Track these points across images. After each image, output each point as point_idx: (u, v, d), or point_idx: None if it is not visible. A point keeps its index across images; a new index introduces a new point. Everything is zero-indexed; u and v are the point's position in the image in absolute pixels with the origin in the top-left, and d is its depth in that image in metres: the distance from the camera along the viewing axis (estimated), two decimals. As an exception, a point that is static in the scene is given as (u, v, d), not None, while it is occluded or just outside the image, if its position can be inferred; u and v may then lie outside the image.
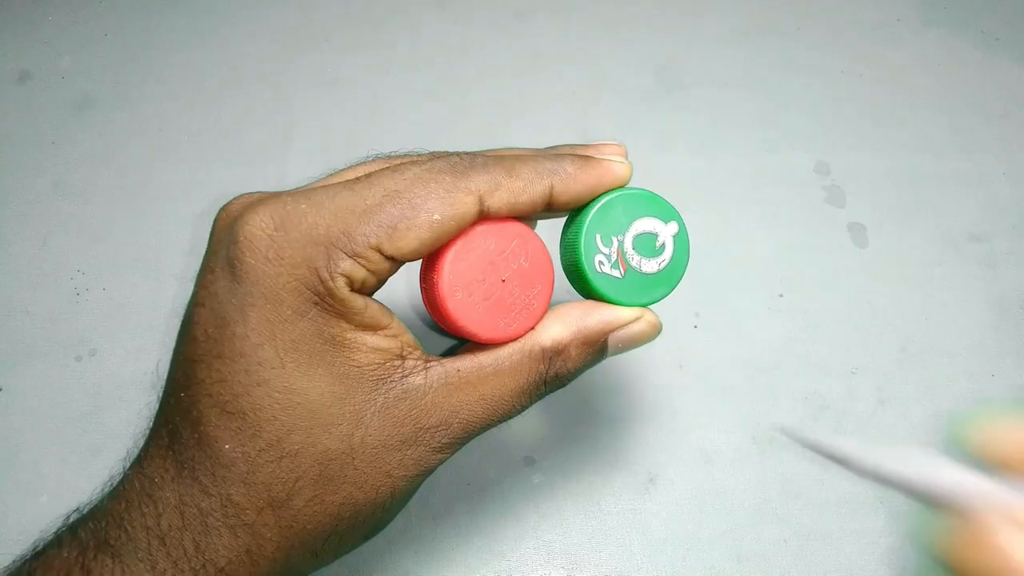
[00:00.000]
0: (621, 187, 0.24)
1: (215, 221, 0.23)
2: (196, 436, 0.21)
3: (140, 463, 0.22)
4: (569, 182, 0.23)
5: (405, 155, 0.25)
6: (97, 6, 0.47)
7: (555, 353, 0.24)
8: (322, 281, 0.20)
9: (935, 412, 0.36)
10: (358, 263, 0.21)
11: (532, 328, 0.24)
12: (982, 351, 0.37)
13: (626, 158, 0.24)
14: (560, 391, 0.35)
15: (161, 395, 0.23)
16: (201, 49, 0.46)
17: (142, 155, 0.42)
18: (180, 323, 0.23)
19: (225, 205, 0.23)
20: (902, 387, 0.36)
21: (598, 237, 0.23)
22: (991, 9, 0.47)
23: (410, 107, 0.44)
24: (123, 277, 0.39)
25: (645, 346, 0.37)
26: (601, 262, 0.24)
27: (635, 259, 0.24)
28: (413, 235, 0.21)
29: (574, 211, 0.25)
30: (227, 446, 0.21)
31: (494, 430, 0.24)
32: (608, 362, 0.36)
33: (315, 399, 0.21)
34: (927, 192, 0.42)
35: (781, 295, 0.39)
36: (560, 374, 0.24)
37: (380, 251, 0.21)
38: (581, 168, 0.23)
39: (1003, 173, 0.42)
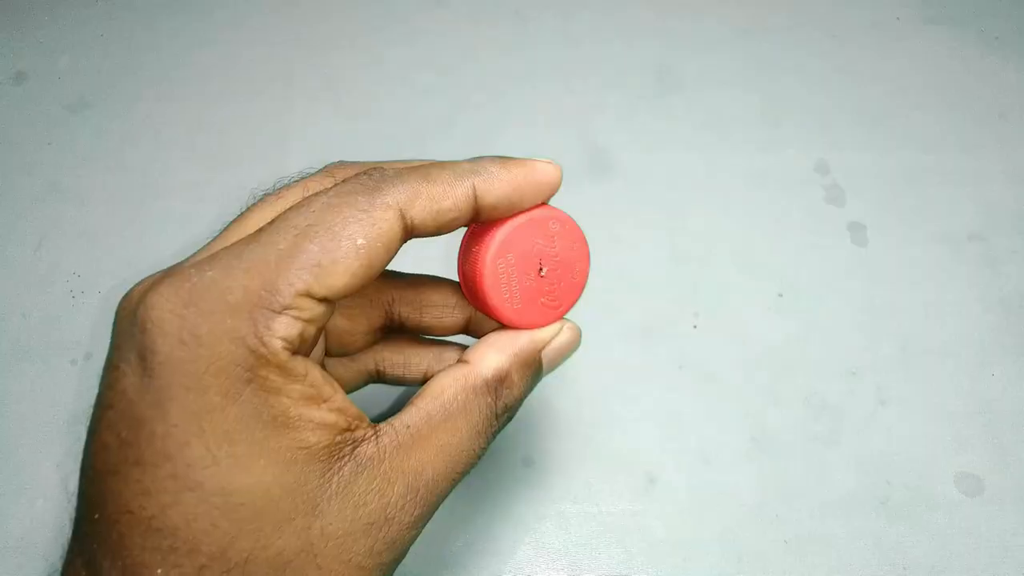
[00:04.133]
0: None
1: (116, 313, 0.20)
2: (119, 566, 0.18)
3: None
4: (493, 181, 0.21)
5: (296, 181, 0.23)
6: (94, 7, 0.47)
7: (499, 382, 0.23)
8: (252, 351, 0.18)
9: (935, 412, 0.36)
10: (290, 316, 0.18)
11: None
12: (982, 351, 0.37)
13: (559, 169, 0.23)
14: (560, 392, 0.36)
15: (73, 518, 0.20)
16: (199, 49, 0.46)
17: (139, 156, 0.42)
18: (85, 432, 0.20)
19: (126, 293, 0.20)
20: (902, 387, 0.36)
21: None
22: (991, 9, 0.47)
23: (410, 107, 0.44)
24: (119, 280, 0.38)
25: (645, 346, 0.37)
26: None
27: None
28: (341, 268, 0.18)
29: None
30: (159, 571, 0.17)
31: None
32: (607, 362, 0.36)
33: (260, 495, 0.18)
34: (927, 191, 0.41)
35: (781, 295, 0.38)
36: (508, 404, 0.23)
37: (310, 295, 0.18)
38: (504, 166, 0.21)
39: (1002, 172, 0.42)
